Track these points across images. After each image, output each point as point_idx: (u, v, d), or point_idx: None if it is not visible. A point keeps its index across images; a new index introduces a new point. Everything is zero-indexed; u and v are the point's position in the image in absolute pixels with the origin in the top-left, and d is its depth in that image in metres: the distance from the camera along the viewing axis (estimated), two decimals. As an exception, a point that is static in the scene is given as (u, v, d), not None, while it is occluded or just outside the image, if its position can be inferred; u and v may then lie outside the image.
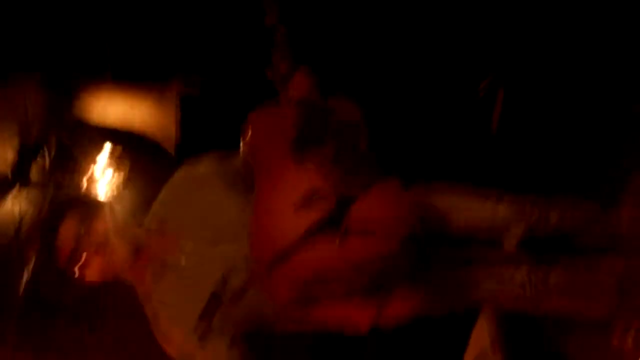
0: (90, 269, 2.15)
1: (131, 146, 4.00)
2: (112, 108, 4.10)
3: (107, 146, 3.87)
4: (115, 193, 3.76)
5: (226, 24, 3.64)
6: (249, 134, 2.10)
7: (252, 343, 2.09)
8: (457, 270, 2.16)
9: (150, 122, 4.09)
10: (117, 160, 3.81)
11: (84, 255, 2.12)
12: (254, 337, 2.10)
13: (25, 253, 3.02)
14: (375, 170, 1.98)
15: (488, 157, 3.30)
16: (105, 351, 3.54)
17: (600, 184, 2.57)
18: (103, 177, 3.75)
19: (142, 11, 3.76)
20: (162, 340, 2.14)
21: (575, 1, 2.99)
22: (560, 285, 2.15)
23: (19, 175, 3.28)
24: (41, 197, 3.28)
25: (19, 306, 3.26)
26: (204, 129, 3.91)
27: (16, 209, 3.29)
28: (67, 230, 2.12)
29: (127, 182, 3.80)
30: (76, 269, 2.14)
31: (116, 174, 3.76)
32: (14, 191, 3.28)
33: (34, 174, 3.31)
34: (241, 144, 2.12)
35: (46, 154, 3.36)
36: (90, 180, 3.74)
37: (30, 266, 2.97)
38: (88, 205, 2.24)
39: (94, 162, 3.77)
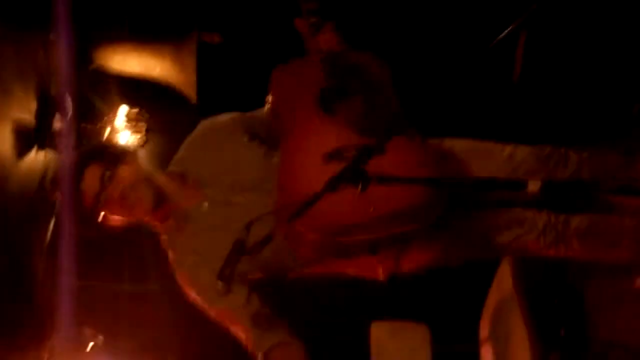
0: (115, 213, 2.17)
1: (152, 97, 4.01)
2: (131, 60, 4.10)
3: (128, 97, 3.88)
4: (137, 143, 3.78)
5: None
6: (274, 89, 2.10)
7: (270, 292, 2.12)
8: (479, 215, 2.16)
9: (170, 73, 4.09)
10: (137, 111, 3.82)
11: (109, 199, 2.13)
12: (272, 286, 2.13)
13: (51, 199, 3.05)
14: (402, 125, 1.98)
15: (509, 108, 3.29)
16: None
17: (622, 137, 2.56)
18: (124, 128, 3.77)
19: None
20: (185, 286, 2.16)
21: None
22: (581, 229, 2.15)
23: (42, 125, 3.30)
24: (65, 146, 3.30)
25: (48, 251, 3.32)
26: (224, 79, 3.92)
27: (41, 157, 3.32)
28: (92, 174, 2.13)
29: (148, 134, 3.82)
30: (101, 213, 2.16)
31: (137, 125, 3.78)
32: (39, 140, 3.30)
33: (57, 123, 3.33)
34: (266, 100, 2.13)
35: (68, 103, 3.37)
36: (113, 130, 3.76)
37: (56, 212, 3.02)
38: (113, 151, 2.25)
39: (116, 112, 3.79)
